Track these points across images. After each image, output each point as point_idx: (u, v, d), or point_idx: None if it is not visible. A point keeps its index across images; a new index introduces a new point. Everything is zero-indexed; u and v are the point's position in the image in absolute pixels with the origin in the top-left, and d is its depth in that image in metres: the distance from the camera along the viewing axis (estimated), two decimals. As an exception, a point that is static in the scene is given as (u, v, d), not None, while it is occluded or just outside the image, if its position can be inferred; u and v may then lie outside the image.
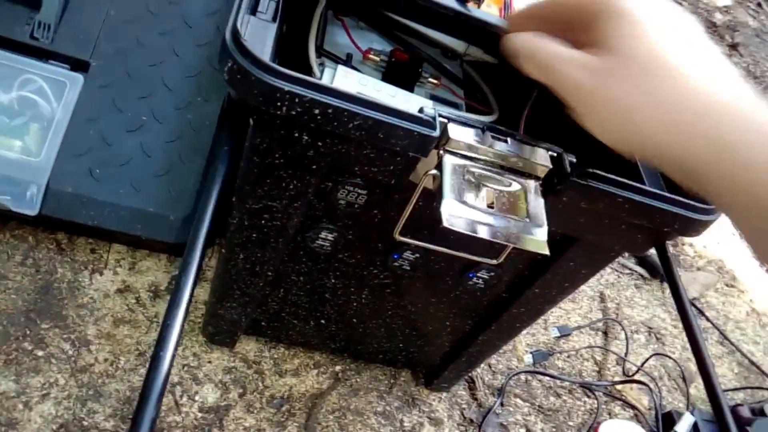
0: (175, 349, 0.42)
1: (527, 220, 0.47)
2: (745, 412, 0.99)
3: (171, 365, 0.42)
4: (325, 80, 0.70)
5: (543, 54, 0.38)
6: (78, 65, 0.77)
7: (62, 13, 0.78)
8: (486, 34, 0.68)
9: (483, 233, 0.45)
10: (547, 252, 0.46)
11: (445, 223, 0.44)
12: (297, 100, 0.44)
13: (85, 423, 0.70)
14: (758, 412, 0.98)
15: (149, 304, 0.80)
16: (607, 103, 0.33)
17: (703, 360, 0.63)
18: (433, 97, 0.80)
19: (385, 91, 0.72)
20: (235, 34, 0.45)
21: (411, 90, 0.79)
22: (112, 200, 0.76)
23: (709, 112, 0.30)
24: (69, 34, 0.78)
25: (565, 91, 0.36)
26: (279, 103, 0.45)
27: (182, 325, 0.44)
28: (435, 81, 0.80)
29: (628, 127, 0.32)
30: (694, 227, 0.52)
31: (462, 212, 0.44)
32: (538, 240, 0.46)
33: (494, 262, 0.58)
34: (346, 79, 0.71)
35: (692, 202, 0.50)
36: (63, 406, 0.70)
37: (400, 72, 0.79)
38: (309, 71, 0.72)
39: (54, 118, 0.75)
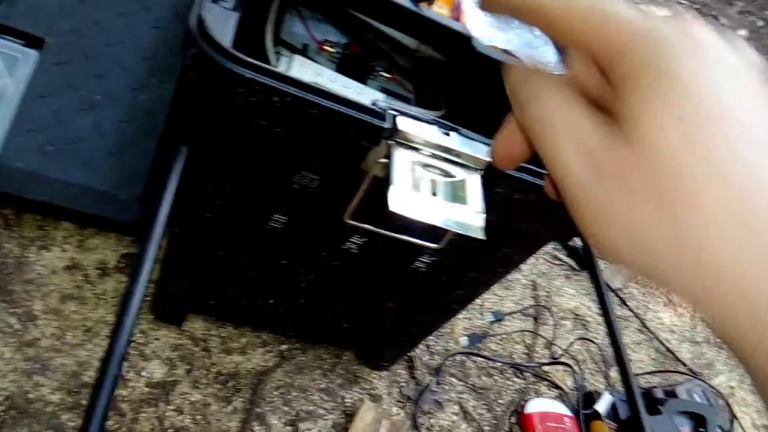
0: (133, 327, 0.45)
1: (467, 207, 0.52)
2: (659, 393, 1.07)
3: (129, 342, 0.44)
4: (282, 68, 0.73)
5: (537, 119, 0.23)
6: (33, 41, 0.77)
7: (16, -13, 0.78)
8: (436, 33, 0.73)
9: (426, 218, 0.49)
10: (483, 237, 0.51)
11: (392, 208, 0.48)
12: (257, 87, 0.47)
13: (30, 396, 0.71)
14: (671, 394, 1.08)
15: (97, 281, 0.81)
16: (619, 222, 0.20)
17: (617, 345, 0.70)
18: (385, 91, 0.84)
19: (340, 83, 0.75)
20: (200, 21, 0.48)
21: (364, 82, 0.83)
22: (62, 177, 0.76)
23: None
24: (24, 9, 0.77)
25: (561, 186, 0.22)
26: (240, 89, 0.48)
27: (140, 306, 0.46)
28: (387, 75, 0.84)
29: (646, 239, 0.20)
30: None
31: (408, 198, 0.48)
32: (475, 226, 0.51)
33: (436, 246, 0.63)
34: (302, 69, 0.74)
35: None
36: (8, 379, 0.71)
37: (354, 65, 0.82)
38: (265, 60, 0.75)
39: (5, 93, 0.75)
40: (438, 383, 0.94)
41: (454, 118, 0.81)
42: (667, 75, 0.19)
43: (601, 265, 1.31)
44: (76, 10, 0.80)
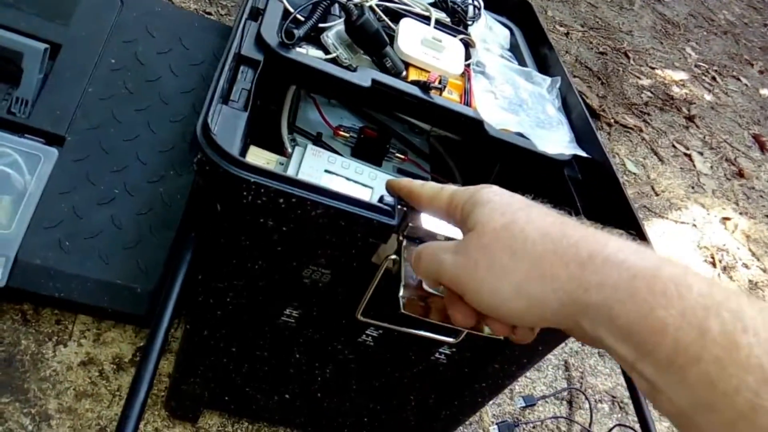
0: (138, 426, 0.43)
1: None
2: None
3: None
4: (295, 157, 0.73)
5: (425, 258, 0.41)
6: (54, 140, 0.79)
7: (40, 89, 0.80)
8: (450, 120, 0.72)
9: (439, 320, 0.47)
10: (502, 338, 0.48)
11: (403, 310, 0.45)
12: (262, 190, 0.47)
13: (40, 503, 0.68)
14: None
15: (112, 377, 0.79)
16: (490, 271, 0.35)
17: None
18: (400, 171, 0.84)
19: (353, 169, 0.75)
20: (205, 127, 0.48)
21: (379, 164, 0.82)
22: (79, 272, 0.76)
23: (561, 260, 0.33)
24: (46, 109, 0.80)
25: (451, 280, 0.38)
26: (245, 193, 0.47)
27: (144, 407, 0.45)
28: (402, 156, 0.84)
29: (515, 285, 0.34)
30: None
31: (419, 301, 0.46)
32: (492, 325, 0.48)
33: (453, 340, 0.60)
34: (314, 158, 0.74)
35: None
36: (18, 485, 0.69)
37: (368, 147, 0.82)
38: (281, 147, 0.75)
39: (26, 191, 0.76)
40: (467, 478, 0.88)
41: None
42: (487, 203, 0.38)
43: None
44: (96, 107, 0.82)
